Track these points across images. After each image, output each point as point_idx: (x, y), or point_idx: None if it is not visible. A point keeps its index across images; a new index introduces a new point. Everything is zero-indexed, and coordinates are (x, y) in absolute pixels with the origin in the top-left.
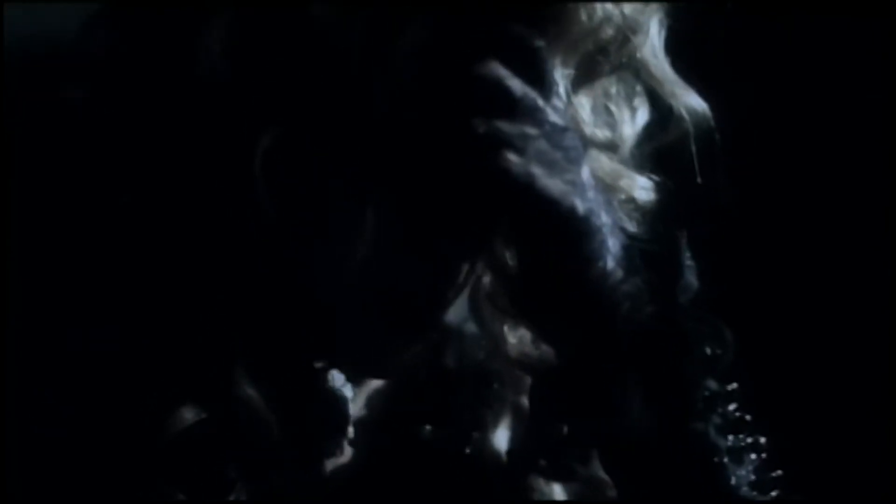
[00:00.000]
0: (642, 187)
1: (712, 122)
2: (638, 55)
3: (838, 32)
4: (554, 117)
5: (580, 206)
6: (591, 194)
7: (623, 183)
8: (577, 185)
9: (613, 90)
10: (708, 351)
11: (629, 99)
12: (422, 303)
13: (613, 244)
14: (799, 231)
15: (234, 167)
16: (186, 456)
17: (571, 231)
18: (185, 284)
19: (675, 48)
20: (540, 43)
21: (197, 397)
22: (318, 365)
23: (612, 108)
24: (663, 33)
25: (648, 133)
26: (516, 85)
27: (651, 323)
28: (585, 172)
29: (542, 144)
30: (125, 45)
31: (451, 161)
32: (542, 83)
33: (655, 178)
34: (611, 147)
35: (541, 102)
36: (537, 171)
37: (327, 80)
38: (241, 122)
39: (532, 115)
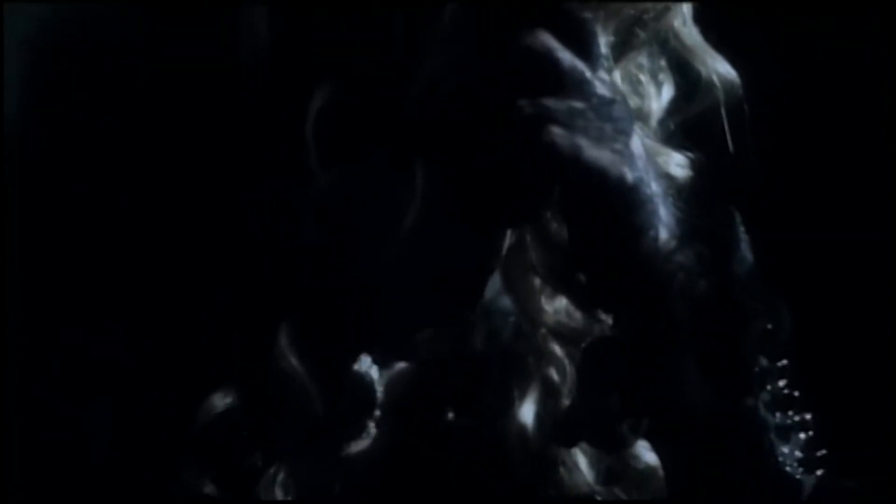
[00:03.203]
0: (677, 164)
1: (741, 91)
2: (673, 23)
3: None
4: (601, 89)
5: (629, 176)
6: (640, 164)
7: (660, 160)
8: (625, 156)
9: (643, 63)
10: (764, 326)
11: (654, 74)
12: (466, 277)
13: (665, 215)
14: (843, 206)
15: (284, 136)
16: (220, 437)
17: (621, 201)
18: (230, 256)
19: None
20: (588, 14)
21: (238, 373)
22: (356, 343)
23: (642, 80)
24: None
25: (674, 108)
26: (566, 57)
27: (706, 296)
28: (635, 143)
29: (590, 117)
30: (160, 26)
31: (498, 135)
32: (589, 55)
33: (689, 153)
34: (642, 119)
35: (588, 75)
36: (584, 142)
37: (372, 49)
38: (286, 93)
39: (580, 87)
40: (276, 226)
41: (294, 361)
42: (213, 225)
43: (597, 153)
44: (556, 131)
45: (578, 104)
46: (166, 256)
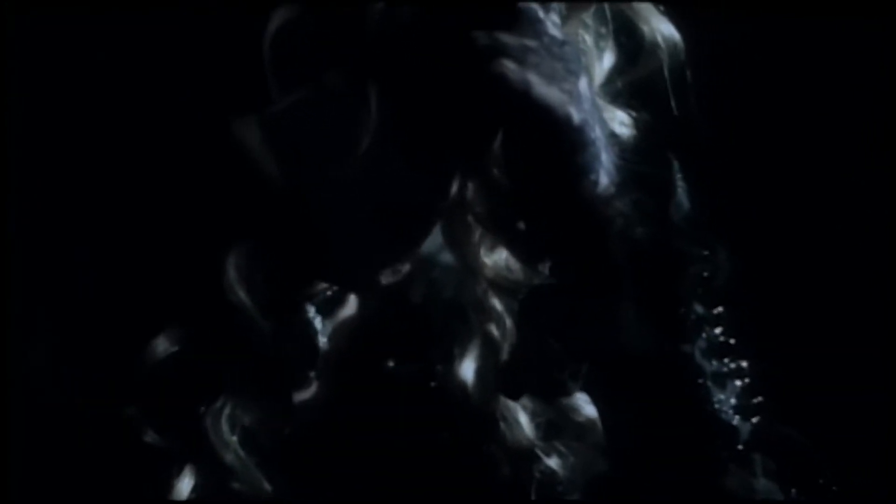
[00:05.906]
0: (621, 122)
1: (684, 53)
2: None
3: None
4: (553, 30)
5: (575, 116)
6: (587, 106)
7: (604, 116)
8: (573, 96)
9: (588, 23)
10: (701, 273)
11: (597, 39)
12: (415, 214)
13: (606, 160)
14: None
15: (239, 59)
16: (167, 369)
17: (565, 140)
18: (178, 184)
19: None
20: None
21: (185, 305)
22: (305, 273)
23: (587, 41)
24: None
25: (617, 71)
26: None
27: (643, 242)
28: (583, 84)
29: (542, 54)
30: None
31: (450, 67)
32: None
33: (632, 112)
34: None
35: (541, 14)
36: (534, 79)
37: None
38: (244, 15)
39: (533, 25)
40: (228, 152)
41: (242, 294)
42: (163, 151)
43: (546, 90)
44: (508, 65)
45: (531, 41)
46: (113, 184)
